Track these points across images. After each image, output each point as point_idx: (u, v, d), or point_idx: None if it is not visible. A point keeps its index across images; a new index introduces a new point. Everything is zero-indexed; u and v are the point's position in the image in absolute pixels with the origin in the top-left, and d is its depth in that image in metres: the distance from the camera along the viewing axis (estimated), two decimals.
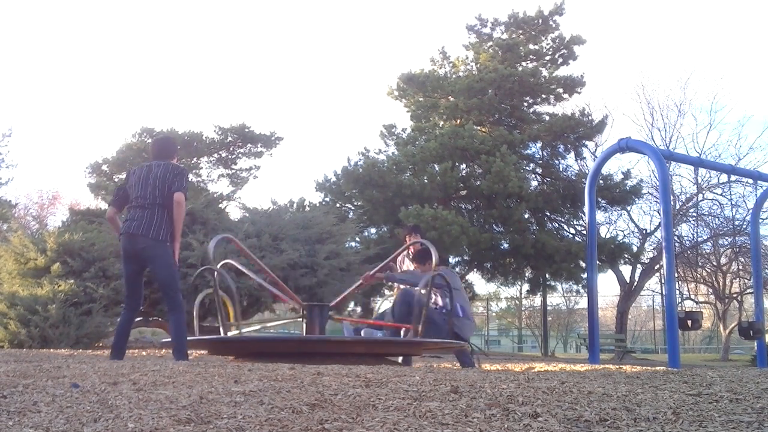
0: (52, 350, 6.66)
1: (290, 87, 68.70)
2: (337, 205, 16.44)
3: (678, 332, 8.07)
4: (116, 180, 19.13)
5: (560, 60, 18.14)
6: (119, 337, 4.67)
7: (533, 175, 17.62)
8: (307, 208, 14.19)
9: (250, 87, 65.26)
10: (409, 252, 6.22)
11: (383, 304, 6.43)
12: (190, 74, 62.02)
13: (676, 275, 14.40)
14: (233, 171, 20.98)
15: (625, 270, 18.95)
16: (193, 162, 20.58)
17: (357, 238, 15.13)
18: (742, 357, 19.83)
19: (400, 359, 5.85)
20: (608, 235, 18.45)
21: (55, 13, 54.66)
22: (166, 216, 4.48)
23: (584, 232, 13.90)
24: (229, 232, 10.46)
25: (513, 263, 16.80)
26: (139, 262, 4.56)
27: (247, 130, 19.62)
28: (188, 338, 5.45)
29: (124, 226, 4.57)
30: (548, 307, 23.68)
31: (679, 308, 9.54)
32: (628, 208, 18.68)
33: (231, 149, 20.49)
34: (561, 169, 17.72)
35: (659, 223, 16.98)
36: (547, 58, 18.20)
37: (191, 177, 20.37)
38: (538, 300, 24.48)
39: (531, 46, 17.92)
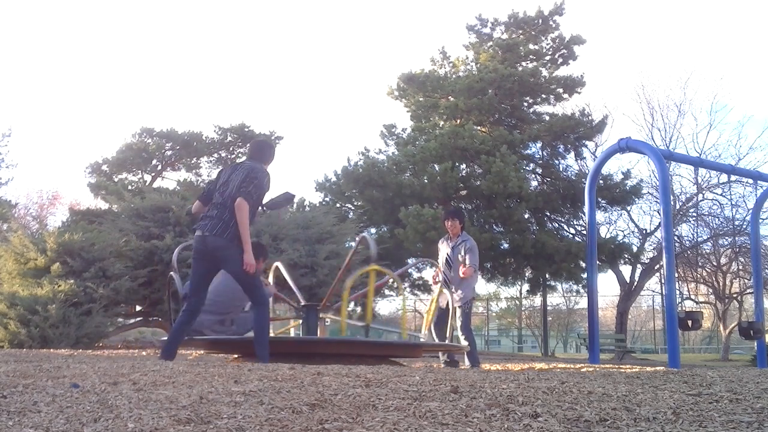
0: (52, 350, 6.66)
1: (290, 87, 68.76)
2: (337, 205, 16.43)
3: (678, 332, 8.07)
4: (116, 180, 19.16)
5: (560, 60, 18.14)
6: (173, 337, 4.50)
7: (533, 175, 17.61)
8: (307, 208, 14.19)
9: (250, 87, 65.31)
10: (449, 236, 6.28)
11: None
12: (190, 74, 62.08)
13: (676, 275, 14.39)
14: None
15: (625, 270, 18.97)
16: (193, 162, 20.62)
17: (357, 238, 15.12)
18: (742, 357, 19.81)
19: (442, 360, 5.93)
20: (608, 235, 18.44)
21: (55, 13, 54.70)
22: (236, 221, 4.37)
23: (584, 232, 13.90)
24: None
25: (513, 263, 16.79)
26: (210, 262, 4.44)
27: (246, 129, 19.64)
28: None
29: (199, 225, 4.51)
30: (548, 307, 23.66)
31: (679, 308, 9.53)
32: (628, 208, 18.68)
33: (231, 149, 20.52)
34: (561, 169, 17.71)
35: (659, 223, 16.98)
36: (547, 58, 18.20)
37: (191, 177, 20.36)
38: (538, 300, 24.46)
39: (531, 46, 17.91)
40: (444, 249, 6.29)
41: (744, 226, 16.46)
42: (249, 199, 4.38)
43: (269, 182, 4.57)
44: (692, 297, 21.53)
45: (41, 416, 1.98)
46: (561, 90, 17.47)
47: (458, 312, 5.90)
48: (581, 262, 14.86)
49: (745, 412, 2.10)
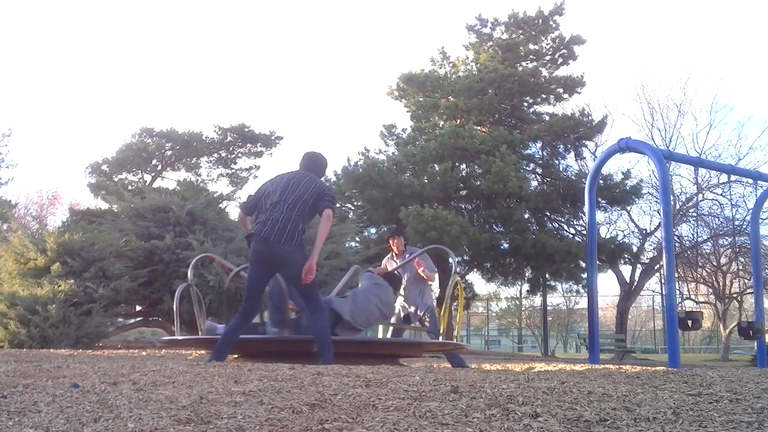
0: (52, 350, 6.66)
1: (290, 87, 68.76)
2: (337, 205, 16.42)
3: (678, 332, 8.08)
4: (116, 180, 19.16)
5: (560, 60, 18.14)
6: (226, 341, 4.40)
7: (533, 175, 17.62)
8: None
9: (250, 87, 65.31)
10: (393, 254, 6.25)
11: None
12: (190, 74, 62.07)
13: (676, 275, 14.40)
14: (233, 171, 21.01)
15: (625, 270, 18.99)
16: (193, 162, 20.62)
17: (357, 238, 15.12)
18: (742, 357, 19.82)
19: None
20: (608, 235, 18.46)
21: (55, 13, 54.70)
22: (302, 227, 4.41)
23: (584, 232, 13.90)
24: (229, 232, 10.46)
25: (513, 263, 16.80)
26: (270, 266, 4.42)
27: (246, 129, 19.63)
28: (179, 338, 5.42)
29: (257, 228, 4.42)
30: (548, 307, 23.67)
31: (679, 308, 9.54)
32: (628, 208, 18.70)
33: (231, 149, 20.53)
34: (561, 169, 17.72)
35: (659, 223, 17.00)
36: (547, 58, 18.20)
37: (191, 177, 20.37)
38: (538, 300, 24.49)
39: (531, 46, 17.91)
40: (393, 267, 6.26)
41: (744, 226, 16.47)
42: (334, 213, 4.53)
43: None
44: (692, 297, 21.55)
45: (41, 416, 1.98)
46: (561, 90, 17.47)
47: (426, 320, 5.92)
48: (581, 262, 14.86)
49: (745, 412, 2.10)
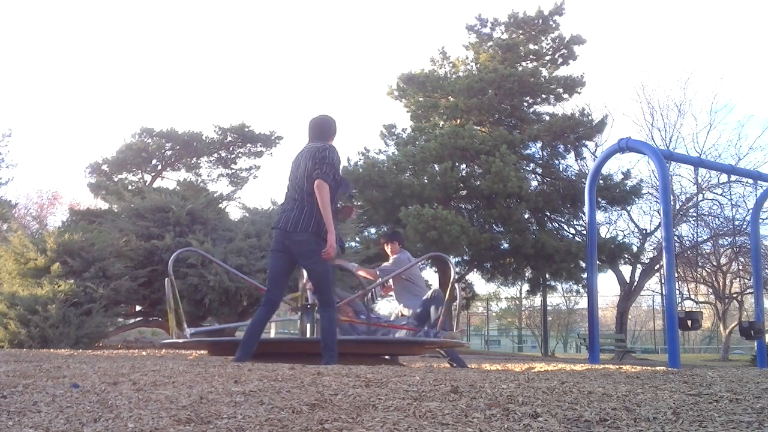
0: (52, 350, 6.65)
1: (290, 87, 68.76)
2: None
3: (678, 332, 8.07)
4: (116, 180, 19.15)
5: (560, 60, 18.15)
6: (250, 336, 4.25)
7: (533, 175, 17.62)
8: None
9: (249, 87, 65.31)
10: (390, 259, 6.35)
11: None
12: (190, 74, 62.07)
13: (676, 275, 14.40)
14: (233, 171, 21.01)
15: (625, 270, 18.98)
16: (193, 162, 20.62)
17: (357, 238, 15.13)
18: (742, 357, 19.82)
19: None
20: (608, 235, 18.45)
21: (55, 13, 54.69)
22: (317, 207, 4.19)
23: (584, 232, 13.90)
24: (229, 232, 10.45)
25: (513, 263, 16.80)
26: (289, 255, 4.32)
27: (246, 129, 19.62)
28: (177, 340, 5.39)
29: (276, 220, 4.39)
30: (548, 307, 23.68)
31: (679, 308, 9.54)
32: (628, 208, 18.70)
33: (231, 149, 20.51)
34: (561, 169, 17.73)
35: (659, 223, 16.99)
36: (547, 58, 18.20)
37: (191, 177, 20.35)
38: (538, 300, 24.50)
39: (531, 46, 17.92)
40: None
41: (744, 226, 16.47)
42: (327, 179, 4.20)
43: (338, 157, 4.37)
44: (692, 297, 21.53)
45: (41, 416, 1.98)
46: (561, 90, 17.47)
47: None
48: (581, 262, 14.87)
49: (745, 412, 2.10)
